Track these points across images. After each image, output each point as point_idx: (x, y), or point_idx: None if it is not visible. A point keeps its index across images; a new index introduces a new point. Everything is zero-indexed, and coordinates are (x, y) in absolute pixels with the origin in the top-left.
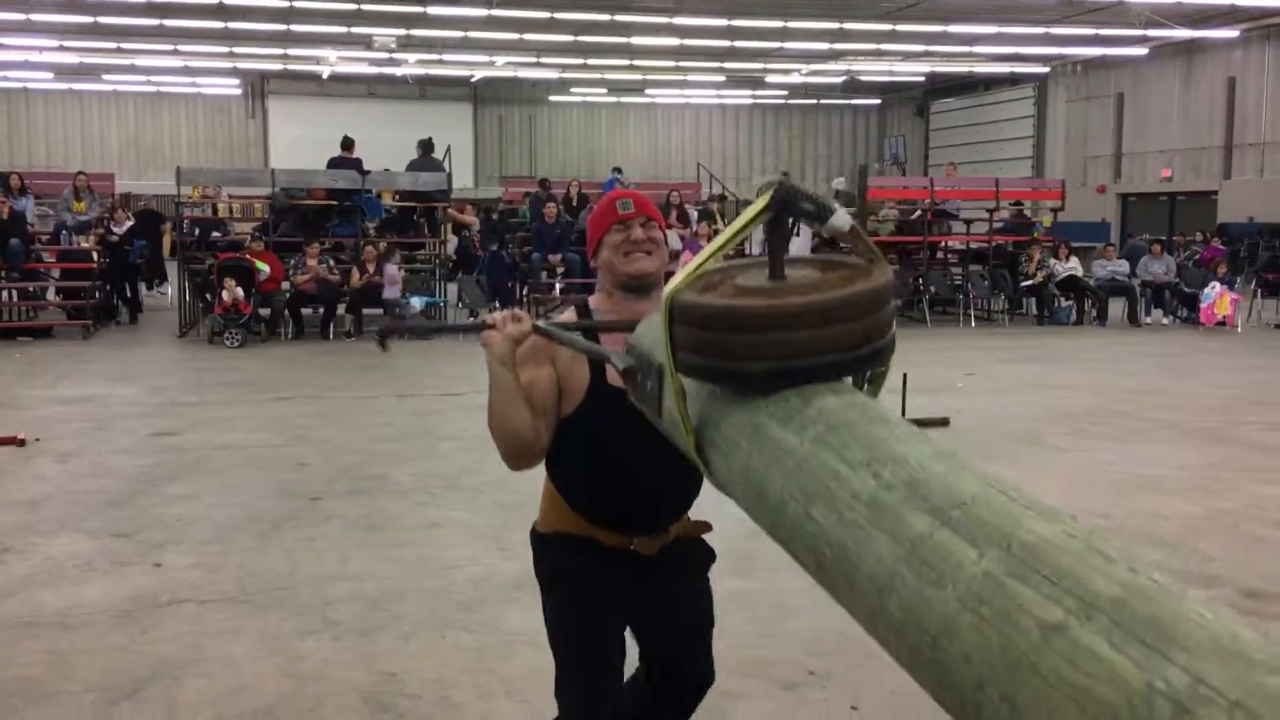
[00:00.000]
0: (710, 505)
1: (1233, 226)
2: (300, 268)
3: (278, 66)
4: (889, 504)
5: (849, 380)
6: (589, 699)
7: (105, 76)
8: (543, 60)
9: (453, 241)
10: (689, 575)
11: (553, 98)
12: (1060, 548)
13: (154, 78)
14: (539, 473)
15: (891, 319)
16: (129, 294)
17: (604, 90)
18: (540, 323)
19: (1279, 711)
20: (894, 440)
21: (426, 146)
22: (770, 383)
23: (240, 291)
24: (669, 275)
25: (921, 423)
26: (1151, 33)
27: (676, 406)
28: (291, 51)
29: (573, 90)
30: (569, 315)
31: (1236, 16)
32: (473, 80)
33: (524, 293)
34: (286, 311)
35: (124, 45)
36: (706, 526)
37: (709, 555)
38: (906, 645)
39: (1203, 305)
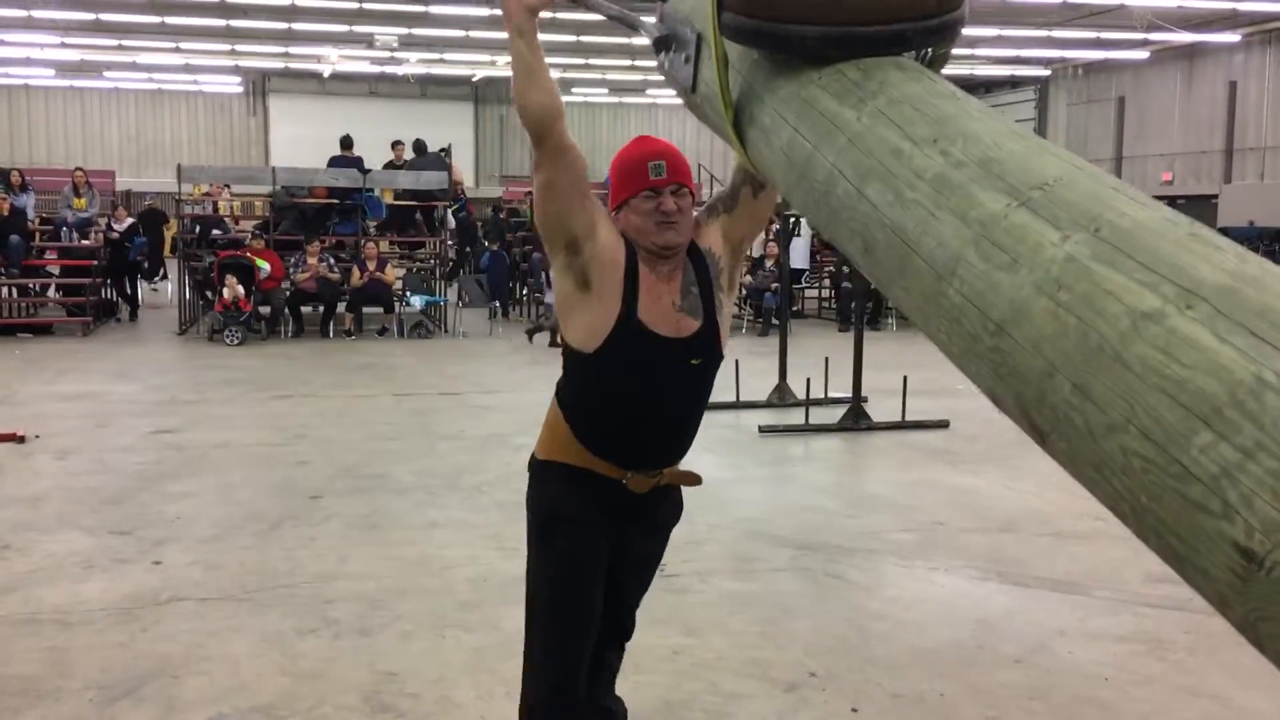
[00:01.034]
0: (712, 509)
1: (1233, 230)
2: (301, 266)
3: (279, 65)
4: (957, 182)
5: (912, 56)
6: (568, 653)
7: (106, 73)
8: None
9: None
10: (660, 537)
11: None
12: (1158, 233)
13: (155, 75)
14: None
15: None
16: (129, 291)
17: (605, 90)
18: None
19: None
20: (965, 116)
21: (420, 147)
22: (826, 51)
23: (241, 289)
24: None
25: (920, 425)
26: (1153, 36)
27: (717, 76)
28: (293, 50)
29: (574, 90)
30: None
31: (1238, 21)
32: (474, 80)
33: (524, 292)
34: (286, 310)
35: (125, 42)
36: (696, 479)
37: (680, 511)
38: (963, 333)
39: None
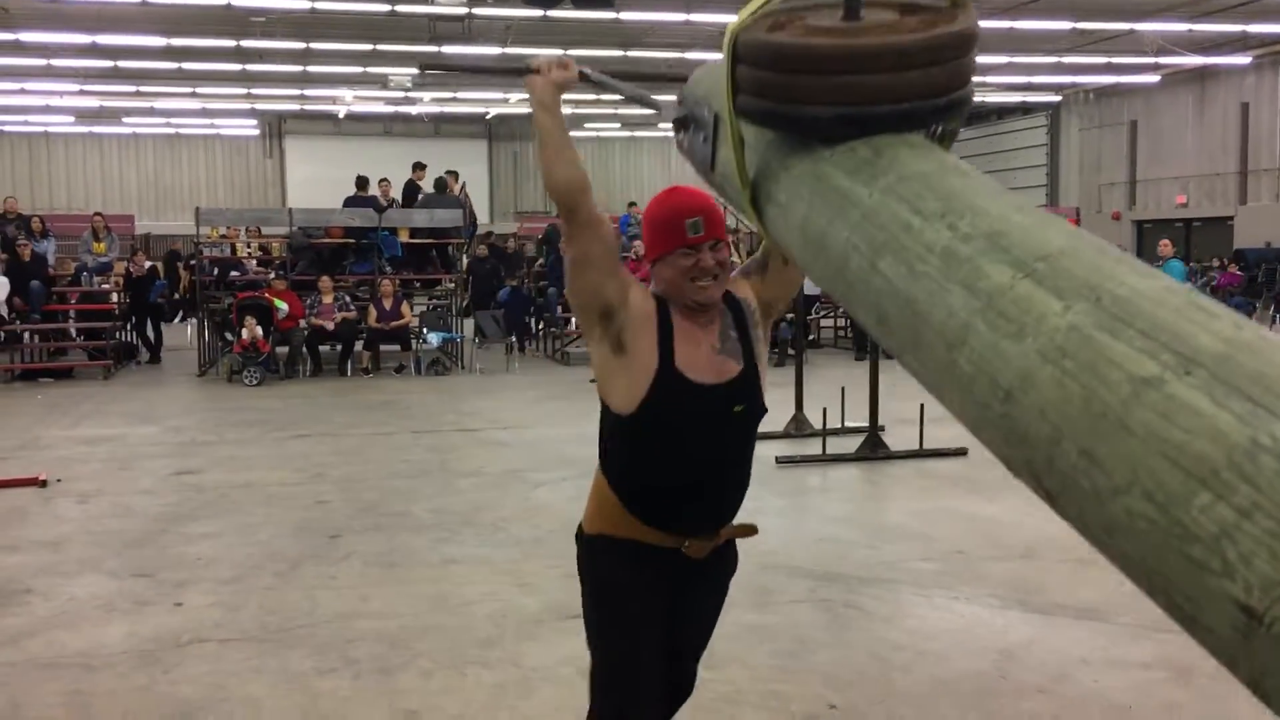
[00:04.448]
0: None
1: (1249, 252)
2: (318, 306)
3: (295, 107)
4: (965, 255)
5: (922, 133)
6: (632, 707)
7: (125, 119)
8: None
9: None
10: (720, 592)
11: None
12: (1157, 302)
13: (173, 120)
14: (567, 497)
15: (972, 69)
16: (151, 333)
17: (618, 125)
18: (588, 70)
19: None
20: (973, 192)
21: (440, 184)
22: (839, 130)
23: (259, 330)
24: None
25: (938, 453)
26: (1163, 60)
27: (734, 155)
28: (308, 92)
29: (587, 125)
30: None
31: (1248, 43)
32: (487, 117)
33: (540, 327)
34: (305, 349)
35: (143, 88)
36: (752, 530)
37: (736, 561)
38: (974, 401)
39: None
